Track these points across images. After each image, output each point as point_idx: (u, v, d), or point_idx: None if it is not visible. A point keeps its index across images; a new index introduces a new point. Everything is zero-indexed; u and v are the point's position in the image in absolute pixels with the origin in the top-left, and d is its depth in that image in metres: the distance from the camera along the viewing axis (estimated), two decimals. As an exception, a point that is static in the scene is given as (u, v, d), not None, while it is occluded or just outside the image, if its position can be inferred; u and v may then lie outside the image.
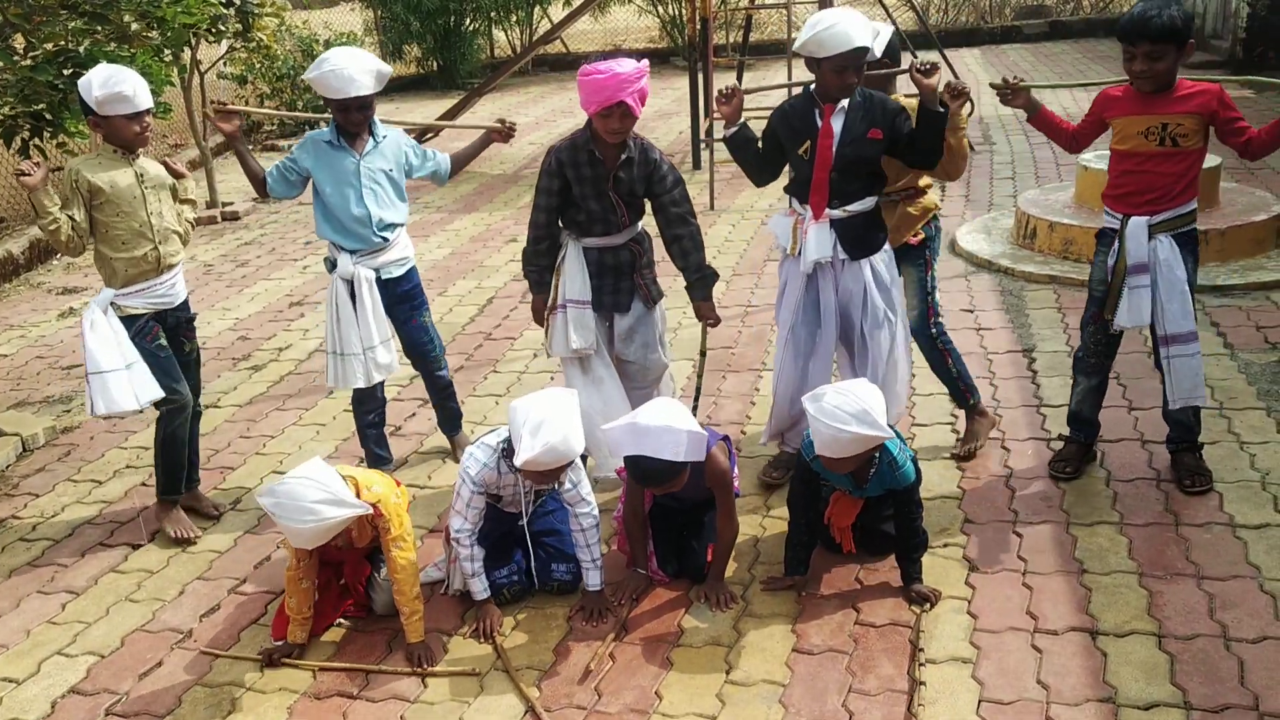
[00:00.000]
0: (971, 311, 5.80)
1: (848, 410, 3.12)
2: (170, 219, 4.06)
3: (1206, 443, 4.16)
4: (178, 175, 4.14)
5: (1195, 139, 3.62)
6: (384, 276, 4.22)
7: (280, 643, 3.41)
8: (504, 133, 4.38)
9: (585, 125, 3.85)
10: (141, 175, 3.99)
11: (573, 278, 3.98)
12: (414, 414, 5.11)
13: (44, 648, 3.56)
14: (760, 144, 3.97)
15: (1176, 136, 3.61)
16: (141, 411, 4.05)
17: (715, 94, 3.96)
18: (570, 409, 3.26)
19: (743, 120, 3.91)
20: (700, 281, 3.95)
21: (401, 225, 4.28)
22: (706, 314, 3.98)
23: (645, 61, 3.73)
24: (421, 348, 4.43)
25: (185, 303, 4.19)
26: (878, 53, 3.88)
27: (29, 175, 3.78)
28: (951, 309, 5.85)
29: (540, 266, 4.03)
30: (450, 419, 4.70)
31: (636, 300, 4.07)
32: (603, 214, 3.91)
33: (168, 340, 4.12)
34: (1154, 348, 3.88)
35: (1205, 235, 5.98)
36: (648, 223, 4.08)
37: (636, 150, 3.85)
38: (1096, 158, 6.70)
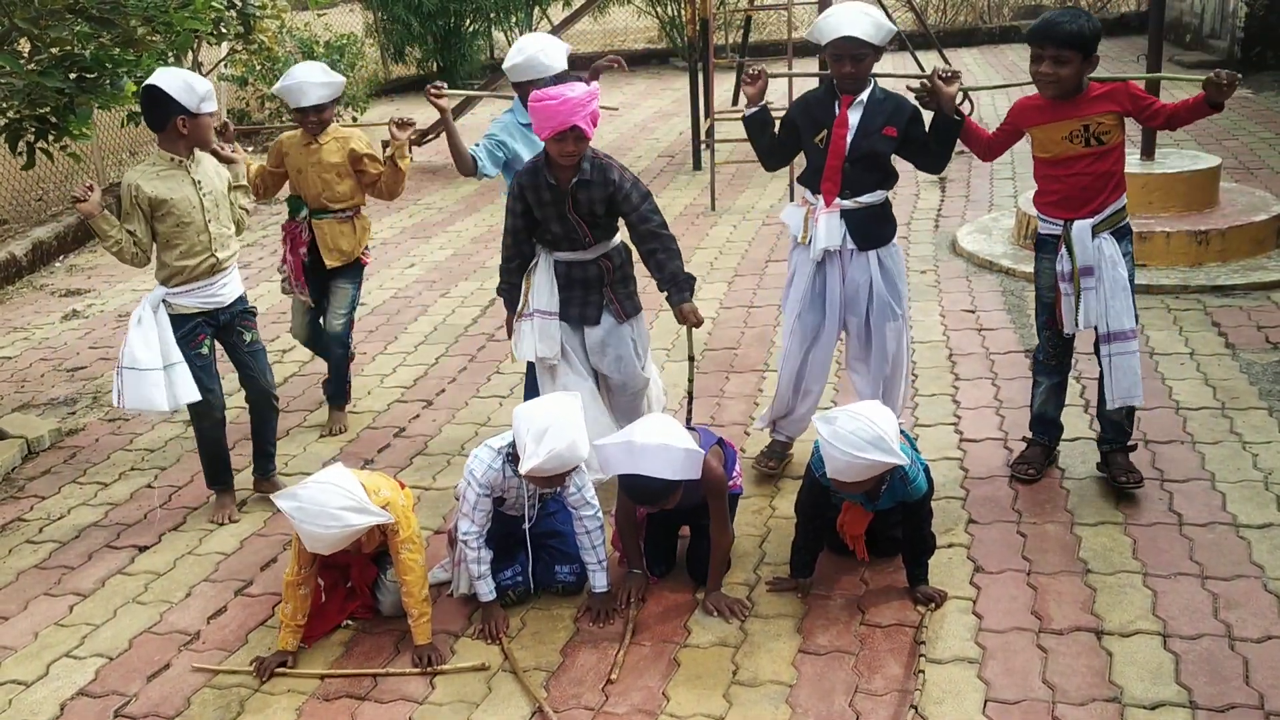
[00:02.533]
0: (973, 312, 5.82)
1: (863, 437, 3.10)
2: (226, 223, 4.14)
3: (1209, 443, 4.18)
4: (229, 160, 4.24)
5: (1115, 134, 3.69)
6: None
7: (273, 653, 3.39)
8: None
9: (543, 150, 3.87)
10: (199, 183, 4.04)
11: (540, 288, 4.02)
12: (418, 415, 5.13)
13: (52, 650, 3.57)
14: (777, 130, 4.03)
15: (1099, 135, 3.67)
16: (174, 412, 4.14)
17: (744, 74, 3.98)
18: (574, 414, 3.27)
19: (764, 103, 3.96)
20: (675, 287, 3.92)
21: None
22: (689, 315, 3.93)
23: (596, 85, 3.76)
24: None
25: (241, 297, 4.27)
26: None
27: (84, 201, 3.87)
28: (953, 309, 5.87)
29: (512, 284, 4.10)
30: None
31: (607, 314, 4.07)
32: (566, 234, 3.95)
33: (225, 336, 4.25)
34: (1094, 346, 3.91)
35: (1206, 235, 6.02)
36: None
37: (594, 171, 3.84)
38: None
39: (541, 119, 3.69)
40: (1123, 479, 3.88)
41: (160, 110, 3.91)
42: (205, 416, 4.25)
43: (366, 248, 5.04)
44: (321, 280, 4.99)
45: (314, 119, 4.72)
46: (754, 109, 3.96)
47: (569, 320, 4.05)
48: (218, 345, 4.30)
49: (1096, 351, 3.85)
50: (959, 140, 3.90)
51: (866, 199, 3.87)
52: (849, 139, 3.80)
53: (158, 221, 3.99)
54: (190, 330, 4.11)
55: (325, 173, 4.78)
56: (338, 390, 5.13)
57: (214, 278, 4.12)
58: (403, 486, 3.63)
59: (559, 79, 4.00)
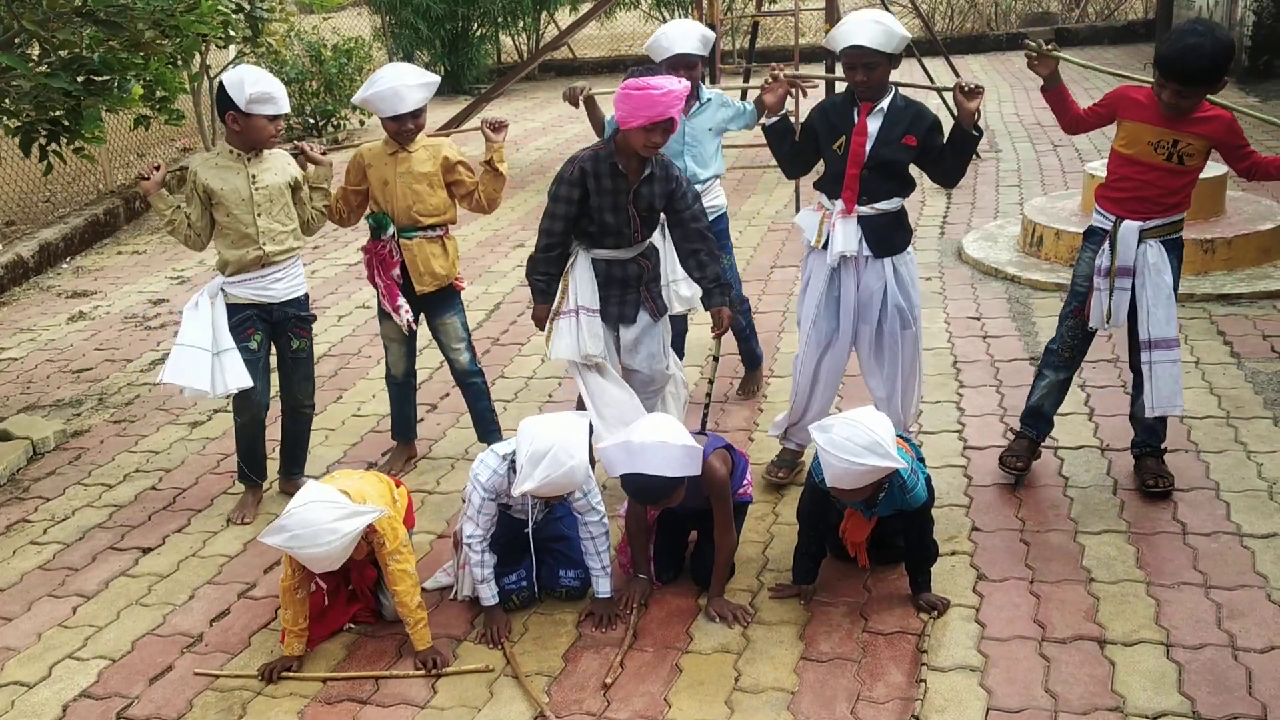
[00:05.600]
0: (978, 319, 5.81)
1: (859, 442, 3.10)
2: (281, 219, 4.17)
3: (1213, 452, 4.18)
4: (315, 162, 4.27)
5: (1199, 158, 3.67)
6: None
7: (279, 658, 3.40)
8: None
9: (609, 138, 3.86)
10: (254, 179, 4.10)
11: (583, 285, 3.99)
12: (422, 419, 5.13)
13: (55, 651, 3.58)
14: (797, 137, 4.02)
15: (1184, 155, 3.64)
16: (226, 397, 4.21)
17: (764, 80, 3.98)
18: (577, 438, 3.26)
19: (785, 111, 3.95)
20: (718, 289, 3.97)
21: (716, 177, 4.72)
22: (725, 318, 3.97)
23: (686, 82, 3.76)
24: None
25: (298, 300, 4.29)
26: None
27: (147, 180, 4.09)
28: (958, 316, 5.87)
29: (549, 274, 4.01)
30: (751, 359, 5.13)
31: (643, 311, 4.08)
32: (617, 228, 3.92)
33: (275, 336, 4.30)
34: (1130, 353, 3.91)
35: (1212, 244, 6.01)
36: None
37: (658, 166, 3.86)
38: (1104, 166, 6.69)
39: (638, 106, 3.64)
40: (1150, 481, 3.89)
41: (220, 103, 4.06)
42: (244, 410, 4.31)
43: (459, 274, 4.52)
44: (414, 311, 4.45)
45: (411, 126, 4.19)
46: (774, 118, 3.95)
47: (606, 319, 4.04)
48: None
49: (1135, 358, 3.87)
50: (1052, 107, 3.91)
51: (883, 205, 3.86)
52: (868, 147, 3.79)
53: (214, 210, 4.12)
54: (242, 321, 4.18)
55: (416, 183, 4.24)
56: (488, 427, 4.65)
57: (264, 270, 4.17)
58: (398, 484, 3.63)
59: (681, 61, 4.30)
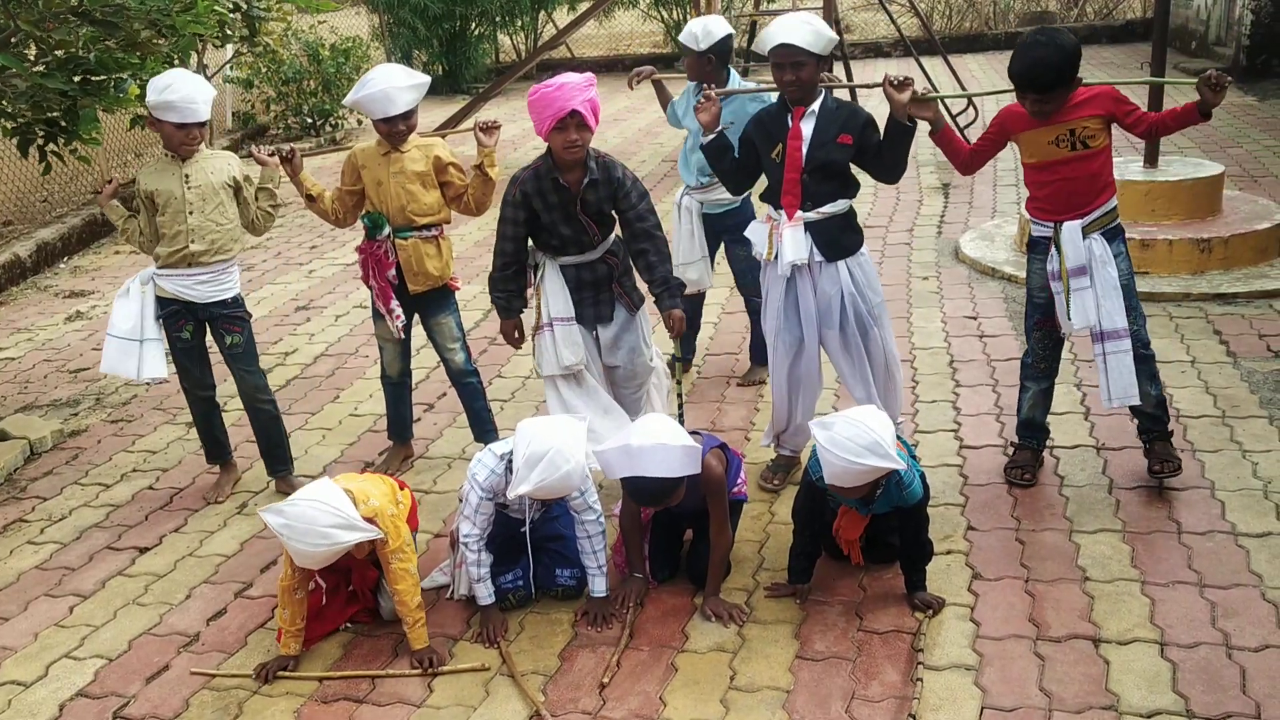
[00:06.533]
0: (975, 319, 5.82)
1: (860, 442, 3.11)
2: (216, 218, 4.25)
3: (1209, 451, 4.19)
4: (260, 163, 4.34)
5: (1101, 137, 3.73)
6: (706, 211, 5.03)
7: (275, 658, 3.40)
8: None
9: (545, 153, 3.89)
10: (187, 178, 4.20)
11: (555, 296, 4.02)
12: (419, 418, 5.13)
13: (52, 651, 3.58)
14: (737, 151, 4.04)
15: (1085, 139, 3.70)
16: (147, 385, 4.47)
17: (694, 103, 3.99)
18: (574, 443, 3.27)
19: (720, 127, 3.97)
20: (666, 292, 3.97)
21: None
22: (677, 322, 3.98)
23: (591, 74, 3.80)
24: (737, 275, 5.22)
25: (224, 302, 4.35)
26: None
27: (100, 192, 4.36)
28: (955, 316, 5.88)
29: (508, 292, 4.08)
30: (761, 353, 5.11)
31: (619, 308, 4.10)
32: (575, 236, 3.96)
33: (212, 333, 4.42)
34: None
35: (1209, 243, 6.02)
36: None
37: (599, 170, 3.88)
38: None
39: (540, 110, 3.73)
40: (1157, 468, 3.92)
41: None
42: (188, 394, 4.53)
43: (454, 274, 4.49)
44: (408, 312, 4.43)
45: (403, 127, 4.20)
46: (711, 135, 3.97)
47: (583, 322, 4.06)
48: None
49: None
50: (942, 150, 3.94)
51: (829, 209, 3.86)
52: (804, 150, 3.81)
53: (158, 211, 4.24)
54: (171, 315, 4.34)
55: (409, 183, 4.23)
56: (485, 427, 4.62)
57: (190, 270, 4.25)
58: (403, 486, 3.64)
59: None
